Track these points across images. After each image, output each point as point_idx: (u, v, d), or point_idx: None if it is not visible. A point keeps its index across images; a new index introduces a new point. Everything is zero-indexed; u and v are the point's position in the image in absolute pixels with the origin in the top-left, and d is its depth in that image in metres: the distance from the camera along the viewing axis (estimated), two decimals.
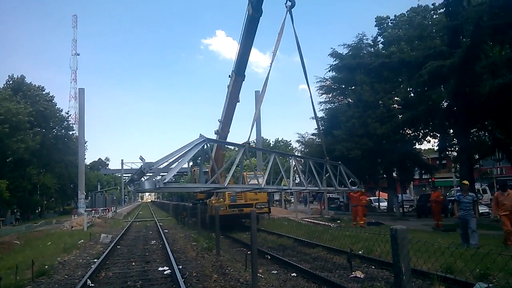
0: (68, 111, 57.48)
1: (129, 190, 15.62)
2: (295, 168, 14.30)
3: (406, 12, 32.53)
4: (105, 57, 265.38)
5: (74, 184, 48.74)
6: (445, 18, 23.29)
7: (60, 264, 11.63)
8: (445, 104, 25.51)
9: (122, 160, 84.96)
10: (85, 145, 47.59)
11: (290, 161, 14.55)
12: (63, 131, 50.73)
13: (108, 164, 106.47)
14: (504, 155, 26.06)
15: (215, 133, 22.07)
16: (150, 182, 8.16)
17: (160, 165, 8.38)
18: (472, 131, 24.59)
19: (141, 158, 8.04)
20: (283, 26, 14.20)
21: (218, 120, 21.28)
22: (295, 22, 14.71)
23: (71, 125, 54.00)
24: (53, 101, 49.16)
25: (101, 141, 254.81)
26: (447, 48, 20.61)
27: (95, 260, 12.13)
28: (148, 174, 8.30)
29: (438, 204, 19.94)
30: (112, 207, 47.27)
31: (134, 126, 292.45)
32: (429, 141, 32.71)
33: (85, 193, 38.02)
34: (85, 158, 47.20)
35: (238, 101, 19.59)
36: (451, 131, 25.60)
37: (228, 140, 21.70)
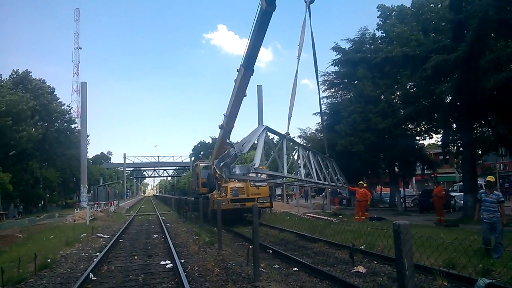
0: (70, 105, 57.59)
1: (222, 175, 15.69)
2: (304, 159, 14.20)
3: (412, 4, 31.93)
4: (107, 51, 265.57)
5: (77, 177, 48.95)
6: (448, 13, 23.11)
7: (63, 257, 11.67)
8: (448, 98, 25.38)
9: (124, 154, 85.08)
10: (88, 139, 47.75)
11: (295, 153, 14.47)
12: (65, 124, 50.81)
13: (110, 158, 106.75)
14: (507, 151, 25.93)
15: (219, 127, 22.05)
16: (243, 168, 8.59)
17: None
18: (475, 126, 24.46)
19: (230, 143, 8.46)
20: (305, 21, 14.28)
21: (224, 114, 21.23)
22: (302, 15, 14.65)
23: (73, 118, 54.18)
24: (54, 94, 49.22)
25: (103, 135, 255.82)
26: (451, 43, 20.46)
27: (98, 253, 12.16)
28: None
29: (441, 199, 19.88)
30: (115, 201, 47.41)
31: (136, 120, 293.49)
32: (431, 137, 32.58)
33: (87, 187, 38.07)
34: (87, 152, 47.34)
35: (245, 96, 19.53)
36: (454, 126, 25.47)
37: (230, 134, 21.73)
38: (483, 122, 24.21)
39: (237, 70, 18.94)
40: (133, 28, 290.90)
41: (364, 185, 21.47)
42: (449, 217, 20.78)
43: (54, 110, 47.59)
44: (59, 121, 49.53)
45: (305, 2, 13.99)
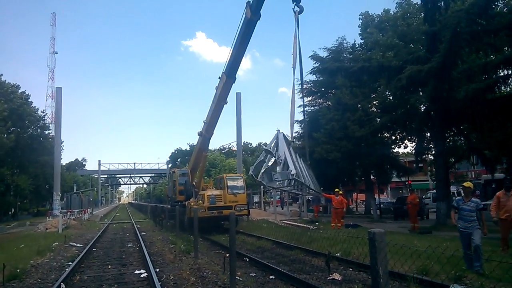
0: (44, 110, 56.22)
1: (265, 186, 15.31)
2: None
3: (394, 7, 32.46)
4: (83, 56, 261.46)
5: (50, 185, 47.73)
6: (423, 24, 23.73)
7: (33, 267, 11.29)
8: (422, 108, 25.95)
9: (99, 161, 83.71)
10: (62, 145, 46.71)
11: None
12: (38, 130, 49.51)
13: (85, 165, 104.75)
14: (478, 159, 26.64)
15: (198, 134, 22.00)
16: (283, 174, 8.85)
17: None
18: (448, 135, 25.05)
19: (267, 150, 8.83)
20: (296, 30, 14.50)
21: (203, 121, 21.16)
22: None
23: (47, 124, 52.79)
24: (29, 100, 48.04)
25: (78, 142, 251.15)
26: (426, 53, 20.98)
27: (70, 263, 11.84)
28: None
29: (415, 206, 20.23)
30: (88, 209, 46.44)
31: (112, 127, 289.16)
32: (406, 146, 33.21)
33: (60, 194, 37.17)
34: (61, 159, 46.29)
35: (226, 103, 19.59)
36: (428, 135, 26.04)
37: (210, 142, 21.68)
38: (455, 131, 24.82)
39: (219, 78, 18.95)
40: (110, 33, 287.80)
41: (340, 192, 21.66)
42: (423, 224, 21.15)
43: (28, 115, 46.42)
44: (32, 127, 48.30)
45: (294, 12, 14.18)
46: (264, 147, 11.01)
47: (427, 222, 23.77)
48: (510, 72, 19.29)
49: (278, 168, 10.82)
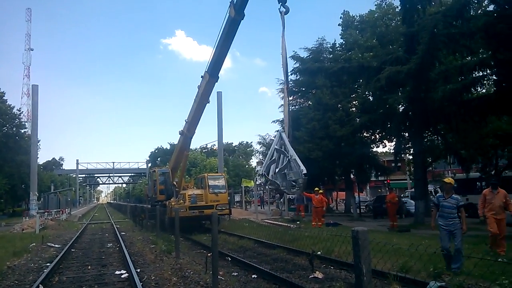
0: (20, 108, 55.03)
1: (275, 182, 14.92)
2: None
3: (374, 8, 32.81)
4: (59, 53, 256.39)
5: (26, 184, 46.55)
6: (401, 26, 24.15)
7: (10, 268, 11.03)
8: (401, 108, 26.40)
9: (77, 160, 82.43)
10: (38, 144, 45.66)
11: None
12: (14, 129, 48.42)
13: (62, 164, 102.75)
14: (455, 159, 27.24)
15: (179, 134, 21.84)
16: (296, 174, 9.00)
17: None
18: (426, 135, 25.54)
19: (281, 151, 9.00)
20: (283, 30, 14.50)
21: (185, 121, 21.03)
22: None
23: (23, 123, 51.66)
24: (3, 98, 46.91)
25: (55, 141, 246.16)
26: (404, 54, 21.34)
27: (48, 264, 11.61)
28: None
29: (393, 205, 20.58)
30: (66, 209, 45.60)
31: (90, 126, 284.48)
32: (385, 146, 33.72)
33: (37, 194, 36.38)
34: (37, 158, 45.26)
35: (208, 102, 19.56)
36: (406, 134, 26.50)
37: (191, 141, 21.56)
38: (433, 131, 25.32)
39: (202, 77, 18.88)
40: (87, 30, 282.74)
41: (320, 191, 21.86)
42: (401, 223, 21.52)
43: (3, 113, 45.31)
44: (7, 125, 47.16)
45: (280, 12, 14.22)
46: (275, 147, 11.12)
47: (406, 220, 24.17)
48: (485, 73, 19.77)
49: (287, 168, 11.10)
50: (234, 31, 16.22)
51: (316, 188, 21.79)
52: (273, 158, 10.33)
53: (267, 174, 10.37)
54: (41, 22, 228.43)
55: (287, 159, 9.43)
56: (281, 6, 14.16)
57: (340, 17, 34.00)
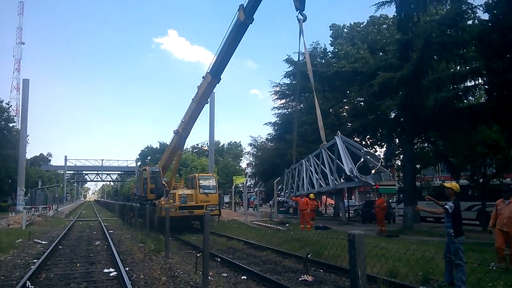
0: (9, 102, 54.32)
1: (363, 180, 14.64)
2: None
3: (365, 21, 33.29)
4: (52, 48, 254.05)
5: (12, 179, 45.99)
6: (396, 33, 24.36)
7: None
8: (393, 114, 26.58)
9: (65, 157, 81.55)
10: (27, 139, 45.14)
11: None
12: (2, 123, 47.84)
13: (50, 160, 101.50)
14: (444, 166, 27.46)
15: (174, 133, 21.77)
16: (385, 174, 10.63)
17: None
18: (416, 141, 25.74)
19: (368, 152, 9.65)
20: (300, 37, 14.31)
21: (182, 120, 20.98)
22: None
23: (11, 117, 51.05)
24: None
25: (43, 136, 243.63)
26: (398, 61, 21.51)
27: (35, 260, 11.47)
28: None
29: (382, 210, 20.71)
30: (54, 205, 45.10)
31: (79, 122, 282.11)
32: (375, 151, 33.89)
33: (24, 190, 35.93)
34: (26, 153, 44.75)
35: (207, 103, 19.60)
36: (397, 140, 26.69)
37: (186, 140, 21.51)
38: (424, 138, 25.53)
39: (203, 77, 18.91)
40: (80, 26, 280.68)
41: (311, 195, 21.90)
42: (390, 228, 21.67)
43: None
44: None
45: (298, 20, 14.32)
46: (363, 151, 11.54)
47: (394, 226, 24.35)
48: (477, 82, 20.00)
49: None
50: (242, 35, 16.34)
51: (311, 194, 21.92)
52: (364, 161, 11.02)
53: (354, 176, 10.86)
54: (33, 16, 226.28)
55: (380, 161, 10.48)
56: (299, 14, 14.13)
57: (330, 28, 34.42)
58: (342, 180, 12.30)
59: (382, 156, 31.12)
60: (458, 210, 7.99)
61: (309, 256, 9.75)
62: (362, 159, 11.46)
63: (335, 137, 13.52)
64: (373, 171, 11.03)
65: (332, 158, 13.19)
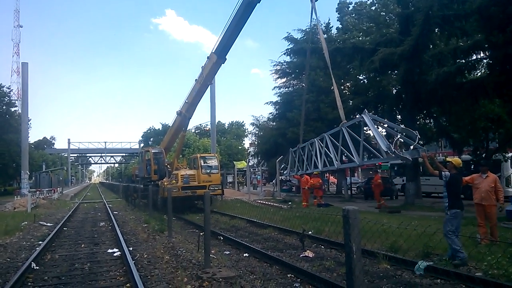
0: (10, 86, 54.26)
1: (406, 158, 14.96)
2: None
3: None
4: (50, 31, 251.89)
5: (17, 163, 46.36)
6: (397, 7, 23.95)
7: (1, 246, 11.05)
8: (394, 90, 26.39)
9: (68, 140, 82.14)
10: (29, 123, 45.27)
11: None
12: (4, 107, 47.91)
13: (54, 144, 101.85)
14: (447, 142, 27.40)
15: (177, 114, 21.74)
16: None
17: None
18: (418, 117, 25.62)
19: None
20: (316, 17, 15.95)
21: (185, 101, 20.93)
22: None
23: (13, 101, 51.09)
24: None
25: (46, 120, 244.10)
26: (399, 36, 21.22)
27: (40, 242, 11.63)
28: None
29: (377, 186, 21.06)
30: (58, 188, 45.55)
31: (82, 105, 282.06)
32: (377, 129, 33.79)
33: (28, 173, 36.22)
34: (28, 137, 44.95)
35: (211, 83, 19.49)
36: (399, 117, 26.56)
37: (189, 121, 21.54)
38: (426, 113, 25.39)
39: (208, 57, 18.78)
40: (78, 8, 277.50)
41: (315, 173, 22.10)
42: (392, 204, 21.82)
43: None
44: None
45: (311, 1, 14.30)
46: (397, 129, 12.15)
47: (397, 202, 24.49)
48: (479, 57, 19.76)
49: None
50: (249, 14, 16.21)
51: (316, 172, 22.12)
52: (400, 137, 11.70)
53: (392, 152, 11.25)
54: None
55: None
56: None
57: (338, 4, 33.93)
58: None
59: (384, 133, 31.20)
60: (454, 181, 8.08)
61: (305, 232, 9.85)
62: (398, 136, 11.71)
63: (362, 115, 13.70)
64: (411, 147, 11.32)
65: (352, 136, 13.59)
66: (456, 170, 8.23)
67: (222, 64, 18.49)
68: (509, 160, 22.77)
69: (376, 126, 14.03)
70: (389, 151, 11.63)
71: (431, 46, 20.74)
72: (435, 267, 7.18)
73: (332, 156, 15.66)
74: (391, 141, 13.74)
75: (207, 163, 20.91)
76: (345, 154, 16.43)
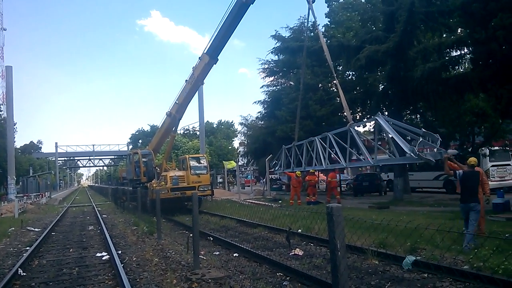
0: None
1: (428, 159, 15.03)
2: None
3: None
4: (35, 34, 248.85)
5: (3, 169, 45.76)
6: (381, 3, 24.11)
7: None
8: (380, 87, 26.58)
9: (56, 143, 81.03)
10: (15, 127, 44.65)
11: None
12: None
13: (41, 148, 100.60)
14: None
15: (167, 115, 21.58)
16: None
17: None
18: (405, 113, 25.84)
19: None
20: (309, 15, 16.65)
21: (175, 102, 20.79)
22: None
23: None
24: None
25: (33, 124, 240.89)
26: (384, 33, 21.37)
27: (28, 248, 11.49)
28: None
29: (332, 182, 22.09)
30: (46, 193, 45.02)
31: (68, 108, 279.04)
32: (365, 125, 33.98)
33: (15, 178, 35.75)
34: (14, 141, 44.36)
35: (203, 84, 19.42)
36: (386, 113, 26.74)
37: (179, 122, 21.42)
38: (412, 109, 25.61)
39: (199, 58, 18.67)
40: (63, 10, 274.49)
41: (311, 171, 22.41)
42: (381, 200, 21.97)
43: None
44: None
45: (308, 2, 14.45)
46: (421, 132, 12.76)
47: (385, 198, 24.67)
48: (463, 52, 19.98)
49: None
50: (242, 15, 16.24)
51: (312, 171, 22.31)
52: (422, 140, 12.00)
53: (416, 154, 11.46)
54: (13, 1, 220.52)
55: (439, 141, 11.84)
56: None
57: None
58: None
59: (372, 129, 31.36)
60: (464, 178, 8.72)
61: (291, 230, 9.89)
62: (420, 138, 12.00)
63: (376, 117, 14.00)
64: (435, 149, 11.58)
65: (361, 137, 14.12)
66: (469, 167, 8.89)
67: (214, 65, 18.42)
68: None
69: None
70: (412, 154, 11.96)
71: (416, 42, 20.92)
72: (422, 261, 7.24)
73: (337, 154, 16.27)
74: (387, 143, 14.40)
75: (196, 164, 20.83)
76: (356, 152, 17.14)
